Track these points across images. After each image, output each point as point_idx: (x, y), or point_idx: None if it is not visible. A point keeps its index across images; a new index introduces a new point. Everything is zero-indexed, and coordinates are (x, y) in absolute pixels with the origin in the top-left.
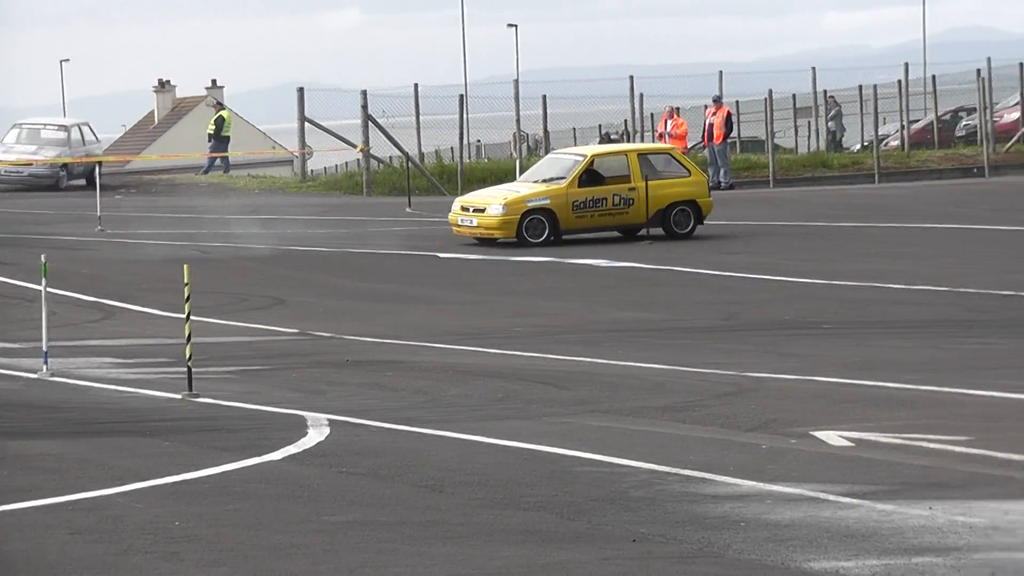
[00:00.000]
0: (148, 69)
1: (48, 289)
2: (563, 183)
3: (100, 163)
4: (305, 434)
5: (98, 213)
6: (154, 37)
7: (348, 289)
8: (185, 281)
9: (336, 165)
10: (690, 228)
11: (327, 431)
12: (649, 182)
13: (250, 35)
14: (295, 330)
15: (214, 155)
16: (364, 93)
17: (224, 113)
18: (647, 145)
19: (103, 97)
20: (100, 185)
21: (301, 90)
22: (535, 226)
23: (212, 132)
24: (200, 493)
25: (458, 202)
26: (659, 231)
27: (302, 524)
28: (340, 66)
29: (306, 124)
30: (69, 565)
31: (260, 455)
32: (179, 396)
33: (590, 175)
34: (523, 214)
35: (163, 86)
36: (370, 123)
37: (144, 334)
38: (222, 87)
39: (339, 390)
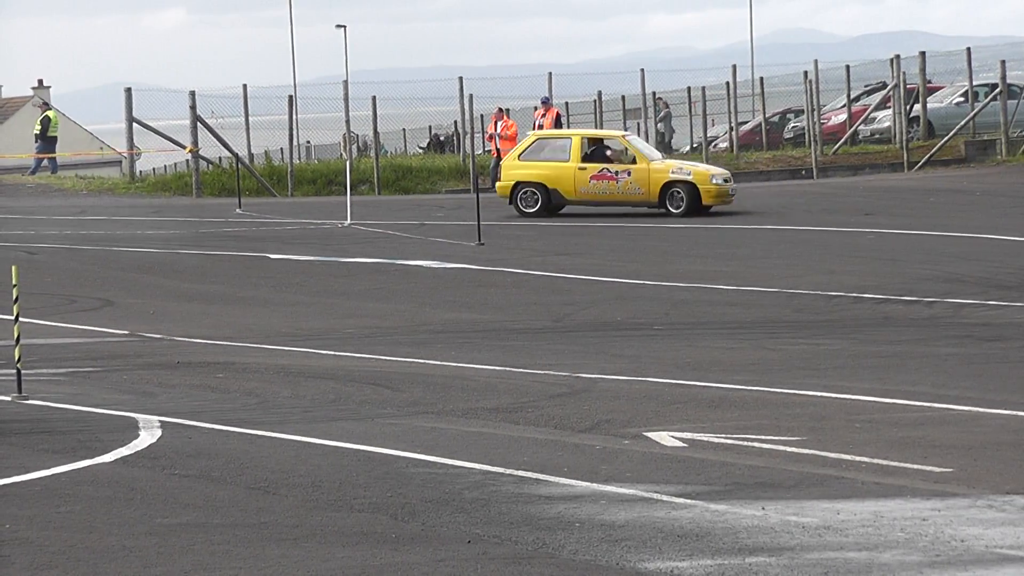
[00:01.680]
0: None
1: None
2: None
3: None
4: (137, 436)
5: None
6: None
7: (178, 290)
8: (13, 282)
9: (165, 166)
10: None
11: (159, 433)
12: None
13: (76, 34)
14: (125, 331)
15: (41, 156)
16: (192, 94)
17: (50, 113)
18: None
19: None
20: None
21: (128, 90)
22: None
23: (38, 132)
24: (30, 496)
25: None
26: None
27: (134, 526)
28: (167, 66)
29: (134, 125)
30: None
31: (91, 457)
32: (8, 398)
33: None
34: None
35: None
36: (199, 124)
37: None
38: (48, 87)
39: (170, 392)
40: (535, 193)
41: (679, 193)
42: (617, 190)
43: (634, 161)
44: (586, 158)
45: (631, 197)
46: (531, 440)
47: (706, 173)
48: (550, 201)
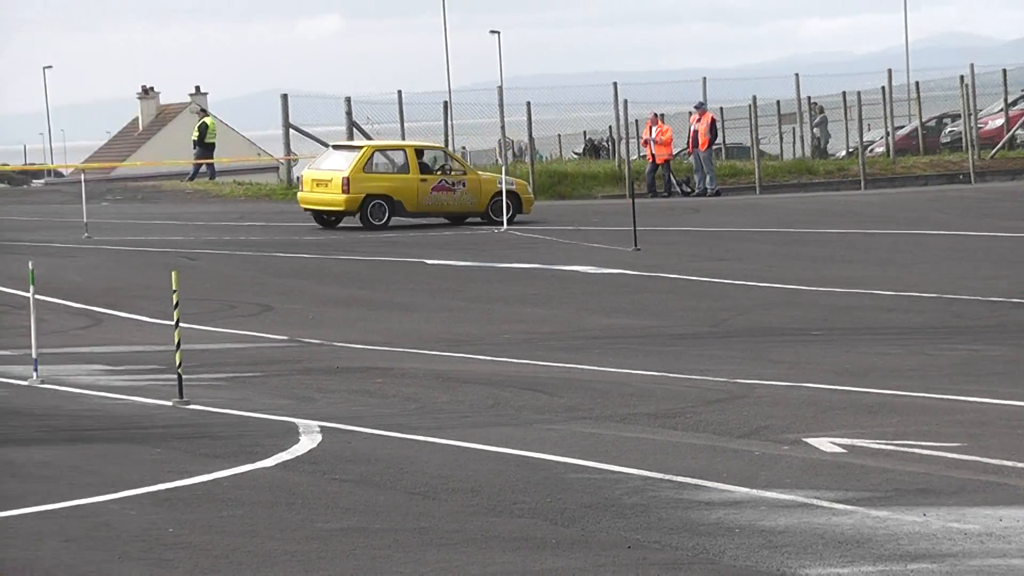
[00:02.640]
0: (132, 76)
1: (36, 296)
2: None
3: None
4: (297, 441)
5: (84, 220)
6: (137, 44)
7: (337, 296)
8: (173, 288)
9: None
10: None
11: (319, 438)
12: None
13: (233, 42)
14: (285, 337)
15: (199, 162)
16: (348, 100)
17: (208, 120)
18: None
19: (87, 104)
20: (86, 192)
21: (285, 96)
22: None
23: (196, 139)
24: (193, 500)
25: None
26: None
27: (295, 531)
28: (322, 72)
29: (291, 131)
30: (63, 572)
31: (252, 462)
32: (170, 403)
33: None
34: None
35: (147, 93)
36: (355, 129)
37: (133, 341)
38: (206, 94)
39: (329, 397)
40: (383, 205)
41: (508, 202)
42: (454, 201)
43: (464, 172)
44: (422, 169)
45: (465, 208)
46: (689, 446)
47: (523, 183)
48: (394, 213)
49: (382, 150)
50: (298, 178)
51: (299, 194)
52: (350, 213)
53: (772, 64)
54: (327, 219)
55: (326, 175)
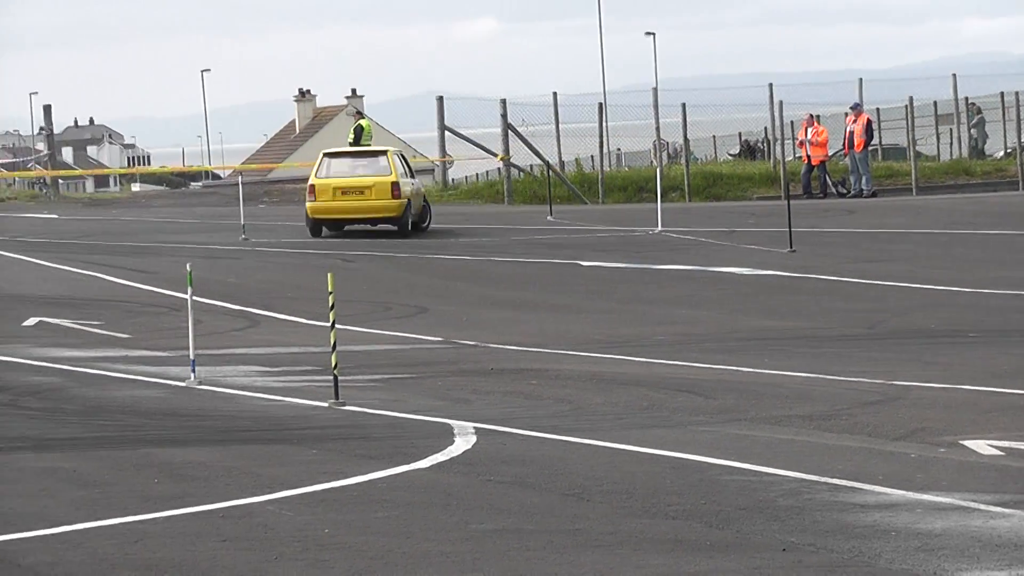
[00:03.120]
0: (288, 79)
1: (194, 298)
2: None
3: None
4: (452, 442)
5: (241, 222)
6: (294, 47)
7: (491, 297)
8: (329, 289)
9: (477, 174)
10: (309, 229)
11: (473, 439)
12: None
13: (388, 45)
14: (439, 338)
15: None
16: (504, 102)
17: (364, 122)
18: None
19: (244, 106)
20: (243, 194)
21: (441, 99)
22: None
23: (351, 141)
24: (348, 501)
25: None
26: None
27: (450, 532)
28: (477, 74)
29: (446, 133)
30: (220, 572)
31: (407, 463)
32: (325, 404)
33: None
34: None
35: (303, 96)
36: (510, 132)
37: (290, 342)
38: (362, 96)
39: (484, 398)
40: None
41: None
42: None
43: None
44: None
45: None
46: (845, 448)
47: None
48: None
49: (398, 155)
50: (310, 187)
51: (314, 204)
52: (396, 219)
53: (929, 64)
54: (333, 227)
55: (361, 182)
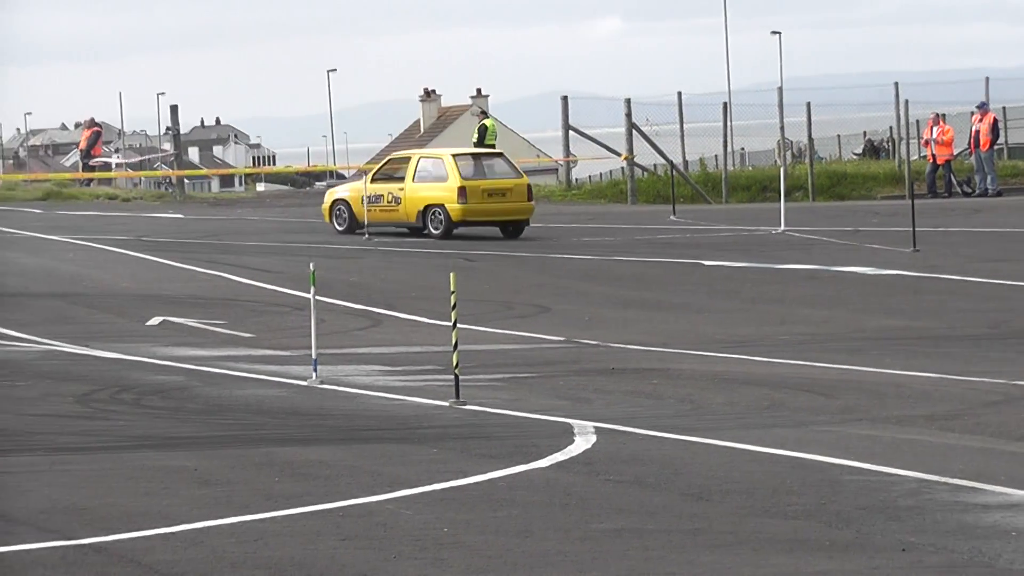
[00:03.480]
0: (413, 79)
1: (317, 297)
2: (368, 178)
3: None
4: (572, 441)
5: (364, 221)
6: (418, 47)
7: (613, 297)
8: (451, 289)
9: (600, 173)
10: (441, 230)
11: (594, 439)
12: (416, 184)
13: (513, 44)
14: (561, 338)
15: None
16: (628, 101)
17: (488, 122)
18: (430, 151)
19: (369, 106)
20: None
21: (565, 98)
22: (339, 214)
23: (476, 140)
24: (468, 500)
25: None
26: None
27: (569, 531)
28: (602, 74)
29: (570, 132)
30: (339, 571)
31: (527, 462)
32: (446, 403)
33: (384, 174)
34: (333, 202)
35: (428, 95)
36: (634, 131)
37: (411, 342)
38: (487, 96)
39: (605, 398)
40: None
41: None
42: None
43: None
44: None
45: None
46: (966, 448)
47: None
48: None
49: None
50: (460, 188)
51: (465, 206)
52: (526, 221)
53: None
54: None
55: (503, 184)
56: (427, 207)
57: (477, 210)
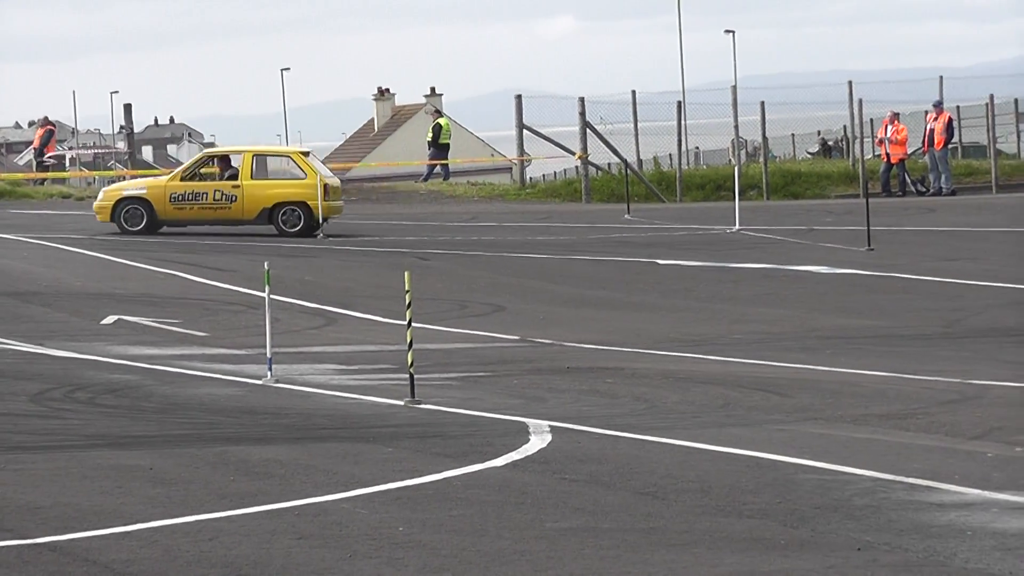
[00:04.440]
0: (367, 77)
1: (271, 296)
2: (165, 178)
3: None
4: (527, 440)
5: (319, 220)
6: (372, 46)
7: (568, 296)
8: (406, 288)
9: (555, 172)
10: (300, 228)
11: (549, 437)
12: (256, 181)
13: (467, 43)
14: (516, 337)
15: (433, 163)
16: (582, 100)
17: (442, 121)
18: (269, 148)
19: (323, 105)
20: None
21: (519, 97)
22: (133, 214)
23: (430, 140)
24: (423, 499)
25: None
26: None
27: (525, 530)
28: (556, 73)
29: (524, 131)
30: (295, 570)
31: (482, 461)
32: (402, 402)
33: (198, 171)
34: (117, 201)
35: (382, 94)
36: (588, 130)
37: (366, 340)
38: (441, 95)
39: (560, 397)
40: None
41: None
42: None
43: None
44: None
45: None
46: (921, 447)
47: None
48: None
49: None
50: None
51: (330, 203)
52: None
53: (1010, 62)
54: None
55: (335, 182)
56: (277, 205)
57: (329, 207)
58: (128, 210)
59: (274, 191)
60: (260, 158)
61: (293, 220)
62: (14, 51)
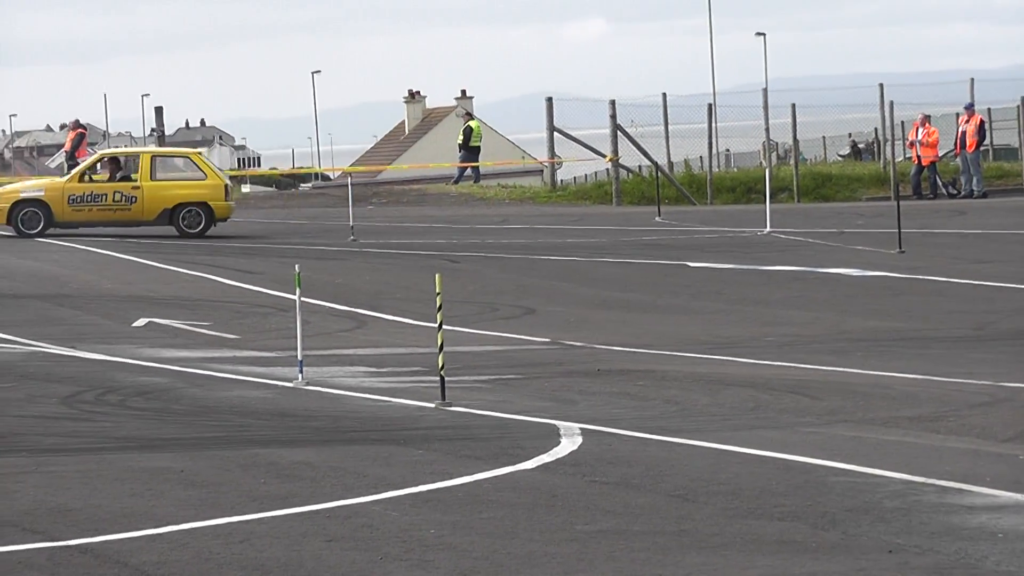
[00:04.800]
0: (398, 80)
1: (302, 299)
2: (63, 179)
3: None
4: (558, 443)
5: (350, 223)
6: (404, 48)
7: (598, 298)
8: (437, 291)
9: (585, 175)
10: (201, 228)
11: (579, 440)
12: (156, 182)
13: (498, 46)
14: (546, 339)
15: (463, 165)
16: (613, 103)
17: (473, 123)
18: (166, 149)
19: (353, 108)
20: (352, 196)
21: (550, 100)
22: (31, 217)
23: (461, 142)
24: (453, 501)
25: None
26: None
27: (555, 533)
28: (587, 75)
29: (555, 134)
30: (325, 572)
31: (513, 464)
32: (432, 405)
33: (93, 174)
34: (14, 204)
35: (413, 97)
36: (619, 132)
37: (396, 343)
38: (471, 97)
39: (590, 399)
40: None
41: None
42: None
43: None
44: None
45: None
46: (953, 449)
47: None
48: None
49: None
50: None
51: (232, 203)
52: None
53: None
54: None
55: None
56: (178, 206)
57: (227, 207)
58: (26, 212)
59: (174, 192)
60: (159, 159)
61: (194, 221)
62: (45, 54)
